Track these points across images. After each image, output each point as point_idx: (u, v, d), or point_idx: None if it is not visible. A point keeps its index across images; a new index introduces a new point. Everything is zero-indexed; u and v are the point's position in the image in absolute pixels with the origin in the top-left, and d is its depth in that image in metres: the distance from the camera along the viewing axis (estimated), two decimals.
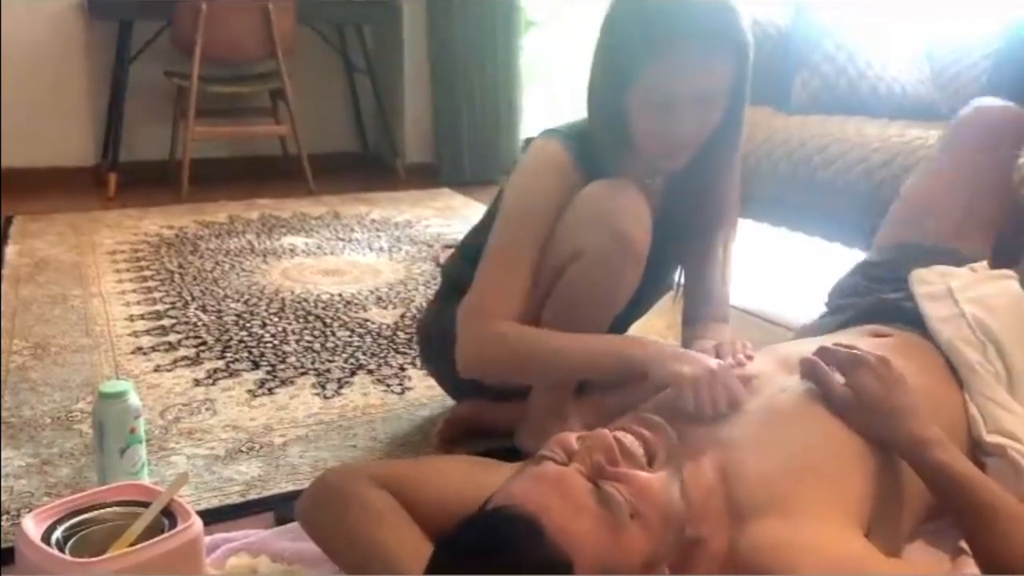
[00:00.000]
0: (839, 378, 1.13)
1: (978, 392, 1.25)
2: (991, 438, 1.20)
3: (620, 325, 1.60)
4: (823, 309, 1.59)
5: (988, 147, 1.57)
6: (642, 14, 1.27)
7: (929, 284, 1.39)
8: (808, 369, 1.15)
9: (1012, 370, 1.27)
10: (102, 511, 1.15)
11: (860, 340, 1.27)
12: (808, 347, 1.22)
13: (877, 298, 1.43)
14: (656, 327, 2.03)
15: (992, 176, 1.55)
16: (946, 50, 2.74)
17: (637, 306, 1.60)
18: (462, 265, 1.59)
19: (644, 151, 1.35)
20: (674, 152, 1.34)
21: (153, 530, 1.11)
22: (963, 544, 1.18)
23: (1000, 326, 1.30)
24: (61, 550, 1.06)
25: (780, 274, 2.73)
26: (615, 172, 1.37)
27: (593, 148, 1.38)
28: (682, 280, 1.57)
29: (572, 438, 0.95)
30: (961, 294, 1.35)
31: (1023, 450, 1.20)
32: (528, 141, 1.52)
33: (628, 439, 0.96)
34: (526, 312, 1.38)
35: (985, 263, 1.46)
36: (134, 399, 1.37)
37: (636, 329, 1.71)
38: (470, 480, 1.09)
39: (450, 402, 1.72)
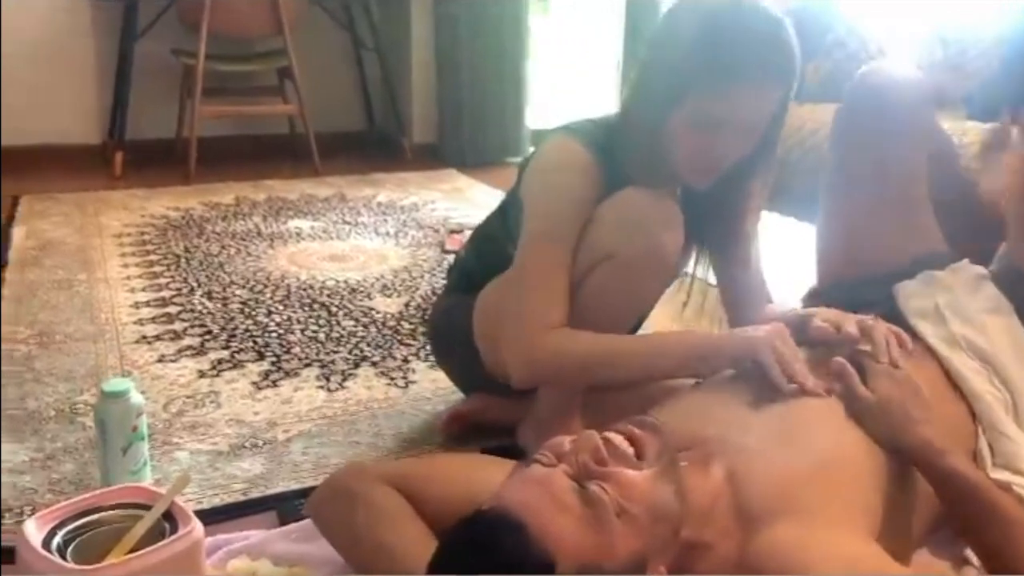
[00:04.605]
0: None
1: (989, 425, 1.24)
2: (997, 474, 1.19)
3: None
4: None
5: (884, 132, 1.43)
6: (707, 36, 1.23)
7: (915, 297, 1.37)
8: (838, 370, 1.15)
9: (1016, 396, 1.26)
10: (103, 514, 1.15)
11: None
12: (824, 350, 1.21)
13: (890, 305, 1.40)
14: (658, 319, 2.00)
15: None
16: (960, 34, 2.69)
17: None
18: (475, 257, 1.58)
19: (677, 166, 1.34)
20: (707, 173, 1.34)
21: (154, 533, 1.11)
22: (968, 554, 1.18)
23: (994, 347, 1.28)
24: (62, 555, 1.06)
25: (791, 265, 2.71)
26: (638, 179, 1.36)
27: (615, 152, 1.36)
28: (696, 272, 1.57)
29: (564, 441, 0.94)
30: (950, 311, 1.33)
31: None
32: (537, 133, 1.51)
33: (617, 439, 0.96)
34: (569, 318, 1.36)
35: (965, 261, 1.43)
36: (136, 397, 1.37)
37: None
38: (477, 478, 1.08)
39: (454, 397, 1.71)
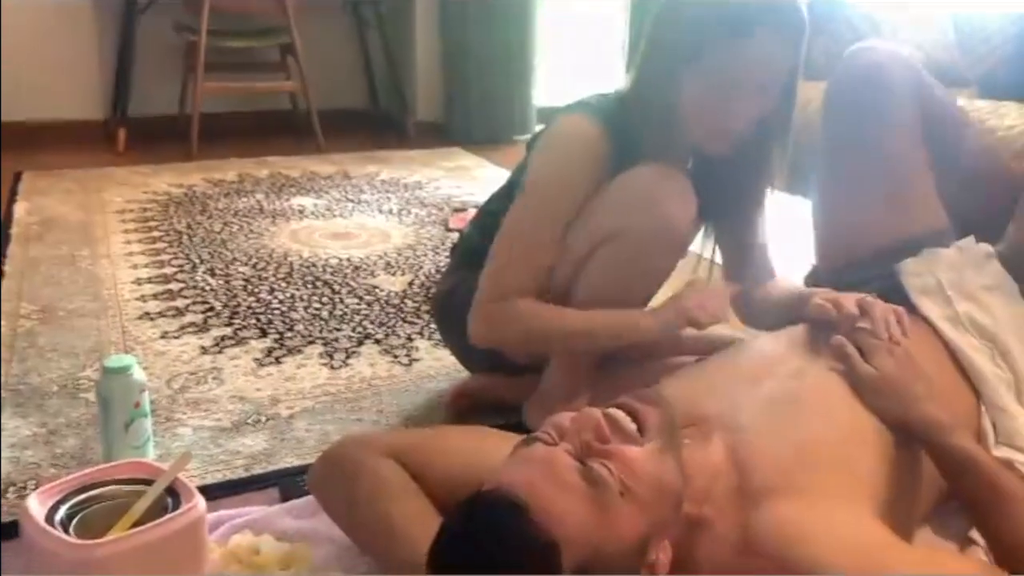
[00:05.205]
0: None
1: (991, 403, 1.23)
2: (999, 451, 1.19)
3: None
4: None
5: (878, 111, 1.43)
6: None
7: (918, 275, 1.37)
8: (837, 347, 1.15)
9: (1019, 374, 1.25)
10: (106, 489, 1.15)
11: None
12: (824, 329, 1.21)
13: (890, 283, 1.40)
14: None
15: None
16: (972, 15, 2.67)
17: None
18: (480, 235, 1.57)
19: (691, 133, 1.33)
20: (722, 137, 1.32)
21: (157, 508, 1.11)
22: (972, 534, 1.18)
23: (998, 326, 1.28)
24: (65, 530, 1.07)
25: (795, 243, 2.69)
26: (650, 153, 1.34)
27: (627, 126, 1.35)
28: (714, 257, 1.56)
29: (566, 418, 0.94)
30: (953, 289, 1.33)
31: None
32: (543, 111, 1.50)
33: (619, 414, 0.95)
34: (542, 291, 1.37)
35: (971, 239, 1.42)
36: (139, 373, 1.36)
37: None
38: (479, 451, 1.08)
39: (457, 375, 1.71)
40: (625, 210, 1.32)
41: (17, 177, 3.18)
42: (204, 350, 1.83)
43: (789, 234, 2.82)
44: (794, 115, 1.36)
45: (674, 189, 1.32)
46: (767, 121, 1.32)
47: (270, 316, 2.02)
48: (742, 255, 1.53)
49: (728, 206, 1.47)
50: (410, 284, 2.26)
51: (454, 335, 1.65)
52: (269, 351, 1.83)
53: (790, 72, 1.29)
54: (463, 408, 1.60)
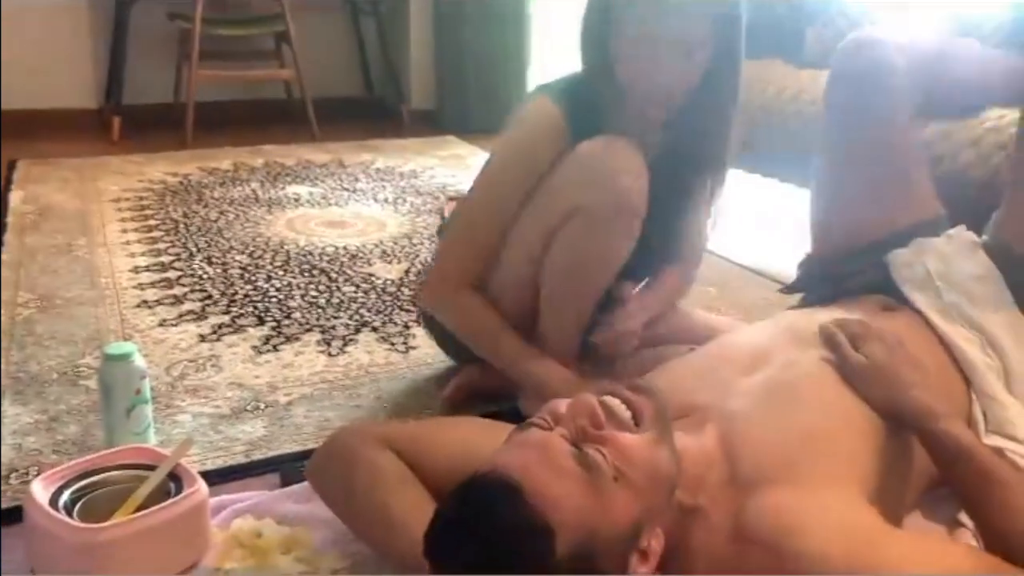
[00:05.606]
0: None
1: (982, 392, 1.25)
2: (989, 440, 1.20)
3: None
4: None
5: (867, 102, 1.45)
6: None
7: (908, 266, 1.38)
8: (827, 337, 1.16)
9: (1007, 364, 1.27)
10: (108, 474, 1.16)
11: (870, 315, 1.28)
12: (819, 318, 1.22)
13: (882, 273, 1.41)
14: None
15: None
16: (965, 2, 2.67)
17: (643, 265, 1.59)
18: None
19: (631, 94, 1.35)
20: (656, 98, 1.35)
21: (159, 493, 1.13)
22: (961, 517, 1.20)
23: (985, 317, 1.30)
24: (69, 514, 1.08)
25: (787, 232, 2.71)
26: (609, 127, 1.36)
27: (586, 101, 1.37)
28: None
29: (561, 404, 0.95)
30: (942, 280, 1.34)
31: (1022, 452, 1.20)
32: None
33: (614, 402, 0.96)
34: (486, 269, 1.45)
35: (961, 227, 1.43)
36: (139, 360, 1.37)
37: None
38: (477, 442, 1.09)
39: (454, 363, 1.72)
40: (578, 187, 1.34)
41: (12, 165, 3.18)
42: (202, 338, 1.84)
43: (782, 222, 2.84)
44: (741, 90, 1.39)
45: (623, 161, 1.34)
46: (710, 96, 1.35)
47: (267, 304, 2.03)
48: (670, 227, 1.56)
49: (684, 176, 1.49)
50: (406, 272, 2.27)
51: (437, 324, 1.66)
52: (267, 339, 1.85)
53: (724, 40, 1.32)
54: (459, 402, 1.61)
